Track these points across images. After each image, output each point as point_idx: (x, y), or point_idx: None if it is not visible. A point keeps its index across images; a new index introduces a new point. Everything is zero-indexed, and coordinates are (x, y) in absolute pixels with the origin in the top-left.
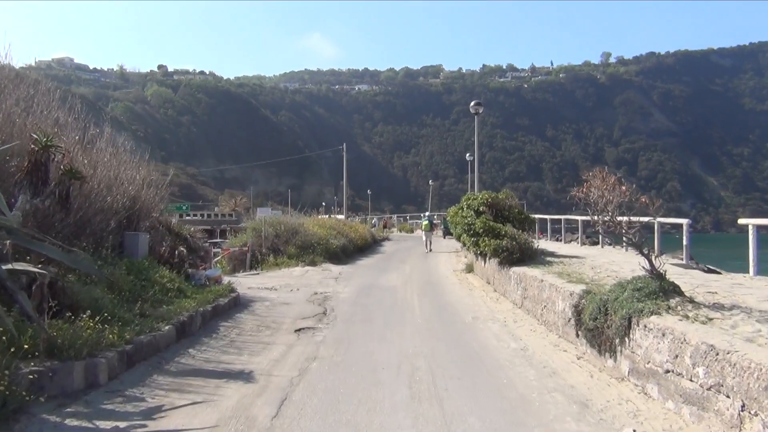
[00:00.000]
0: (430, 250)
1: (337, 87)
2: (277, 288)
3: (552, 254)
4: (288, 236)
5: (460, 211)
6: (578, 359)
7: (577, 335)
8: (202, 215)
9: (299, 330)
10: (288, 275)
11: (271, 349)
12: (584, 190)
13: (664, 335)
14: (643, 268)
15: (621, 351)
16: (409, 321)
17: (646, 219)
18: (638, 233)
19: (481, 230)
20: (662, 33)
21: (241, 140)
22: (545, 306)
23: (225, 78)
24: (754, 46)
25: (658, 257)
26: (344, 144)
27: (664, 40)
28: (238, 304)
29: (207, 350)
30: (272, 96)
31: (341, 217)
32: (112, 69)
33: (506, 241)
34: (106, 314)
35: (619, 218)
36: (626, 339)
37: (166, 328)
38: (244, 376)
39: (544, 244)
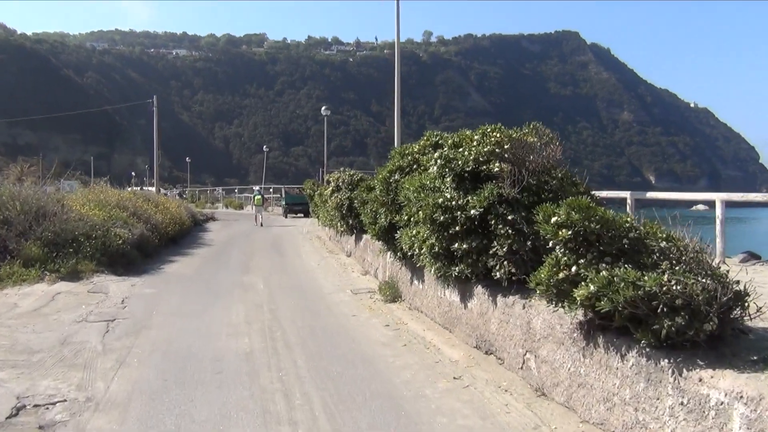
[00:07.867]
0: (261, 225)
1: (152, 50)
2: None
3: None
4: (29, 224)
5: (406, 179)
6: None
7: None
8: None
9: None
10: (4, 312)
11: None
12: None
13: None
14: None
15: None
16: None
17: None
18: None
19: (563, 233)
20: (479, 14)
21: (39, 102)
22: None
23: (19, 32)
24: (559, 34)
25: None
26: (155, 96)
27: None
28: None
29: None
30: (77, 56)
31: (152, 189)
32: None
33: (670, 279)
34: None
35: None
36: None
37: None
38: None
39: None
